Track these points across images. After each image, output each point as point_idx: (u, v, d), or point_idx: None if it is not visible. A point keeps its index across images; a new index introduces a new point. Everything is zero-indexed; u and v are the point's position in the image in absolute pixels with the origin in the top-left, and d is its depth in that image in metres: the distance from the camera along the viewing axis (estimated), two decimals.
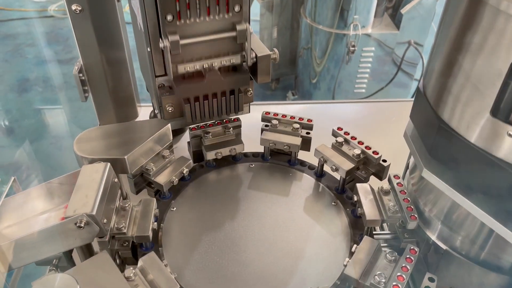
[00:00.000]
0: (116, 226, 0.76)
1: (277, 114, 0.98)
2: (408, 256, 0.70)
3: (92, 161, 0.81)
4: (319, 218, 0.84)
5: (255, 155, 0.98)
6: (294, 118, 0.97)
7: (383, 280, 0.67)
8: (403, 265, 0.69)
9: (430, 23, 2.64)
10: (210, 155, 0.92)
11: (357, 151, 0.88)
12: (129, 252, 0.79)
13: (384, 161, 0.88)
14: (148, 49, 0.88)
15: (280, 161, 0.97)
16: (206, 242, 0.81)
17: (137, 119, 1.26)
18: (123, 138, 0.87)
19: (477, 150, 0.60)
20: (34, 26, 3.58)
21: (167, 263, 0.75)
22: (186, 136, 1.12)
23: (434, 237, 0.75)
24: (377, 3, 2.51)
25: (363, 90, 2.74)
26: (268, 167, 0.96)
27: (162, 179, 0.86)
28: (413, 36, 2.61)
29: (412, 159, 0.84)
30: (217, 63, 0.90)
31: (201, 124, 0.96)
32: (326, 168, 0.92)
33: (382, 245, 0.72)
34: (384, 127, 1.33)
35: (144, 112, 1.30)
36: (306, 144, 0.97)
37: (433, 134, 0.67)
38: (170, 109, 0.92)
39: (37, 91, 2.96)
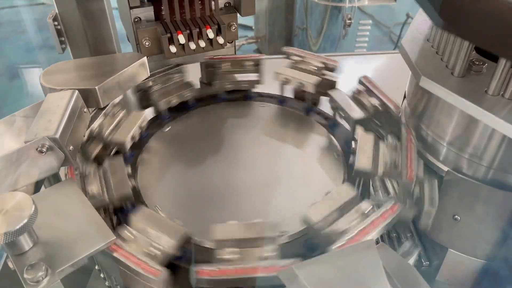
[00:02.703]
0: (97, 128, 0.73)
1: (299, 51, 0.90)
2: (384, 210, 0.60)
3: None
4: (316, 169, 0.76)
5: (271, 96, 0.91)
6: (318, 57, 0.89)
7: (341, 230, 0.58)
8: (374, 219, 0.58)
9: None
10: (220, 85, 0.88)
11: (375, 102, 0.80)
12: None
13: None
14: None
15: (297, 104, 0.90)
16: (187, 175, 0.74)
17: None
18: (95, 71, 0.80)
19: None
20: (24, 13, 3.52)
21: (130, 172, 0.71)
22: None
23: (438, 162, 0.68)
24: None
25: None
26: (279, 112, 0.88)
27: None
28: (410, 8, 2.54)
29: (407, 88, 0.77)
30: None
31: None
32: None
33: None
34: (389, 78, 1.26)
35: None
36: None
37: None
38: (147, 44, 0.86)
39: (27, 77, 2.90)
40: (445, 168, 0.66)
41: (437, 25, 0.58)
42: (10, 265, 0.63)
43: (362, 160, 0.70)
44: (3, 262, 0.80)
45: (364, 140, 0.73)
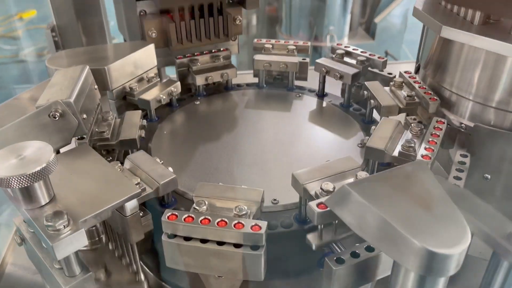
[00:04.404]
0: (97, 130, 0.66)
1: (270, 40, 0.91)
2: (436, 126, 0.62)
3: None
4: (328, 126, 0.76)
5: (249, 84, 0.90)
6: (288, 42, 0.90)
7: (413, 145, 0.57)
8: (433, 132, 0.60)
9: (403, 33, 2.69)
10: (200, 80, 0.84)
11: (362, 58, 0.81)
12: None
13: (390, 73, 0.82)
14: None
15: (276, 87, 0.89)
16: (201, 152, 0.71)
17: None
18: (102, 55, 0.78)
19: None
20: (5, 70, 3.51)
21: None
22: None
23: (465, 120, 0.67)
24: (350, 16, 2.55)
25: None
26: (264, 94, 0.87)
27: (148, 96, 0.76)
28: (388, 47, 2.64)
29: (421, 56, 0.77)
30: None
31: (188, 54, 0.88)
32: (327, 89, 0.85)
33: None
34: None
35: None
36: (303, 72, 0.89)
37: None
38: (153, 34, 0.85)
39: None
40: (472, 124, 0.65)
41: None
42: (18, 239, 0.58)
43: (387, 99, 0.72)
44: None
45: (374, 86, 0.75)
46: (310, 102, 0.83)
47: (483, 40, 0.58)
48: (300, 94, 0.86)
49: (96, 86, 0.70)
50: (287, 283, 0.60)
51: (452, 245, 0.37)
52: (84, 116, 0.62)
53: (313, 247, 0.50)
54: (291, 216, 0.58)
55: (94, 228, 0.73)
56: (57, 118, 0.59)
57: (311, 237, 0.49)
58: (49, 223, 0.45)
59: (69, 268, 0.50)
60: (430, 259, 0.37)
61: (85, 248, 0.75)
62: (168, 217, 0.50)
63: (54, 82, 0.65)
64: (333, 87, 0.86)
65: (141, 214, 0.57)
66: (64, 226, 0.46)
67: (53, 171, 0.47)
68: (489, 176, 0.66)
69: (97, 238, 0.75)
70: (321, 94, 0.85)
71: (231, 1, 0.92)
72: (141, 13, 0.86)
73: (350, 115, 0.78)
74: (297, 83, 0.90)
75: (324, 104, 0.83)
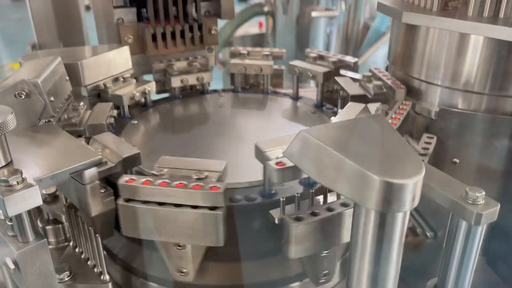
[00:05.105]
0: (65, 117, 0.65)
1: (246, 48, 0.93)
2: (400, 106, 0.63)
3: None
4: (301, 122, 0.77)
5: (225, 90, 0.91)
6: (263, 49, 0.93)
7: None
8: (397, 111, 0.61)
9: None
10: (175, 81, 0.84)
11: (333, 59, 0.83)
12: None
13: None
14: None
15: (252, 92, 0.90)
16: (171, 145, 0.70)
17: None
18: (77, 53, 0.79)
19: None
20: None
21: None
22: None
23: (433, 106, 0.68)
24: None
25: None
26: (240, 97, 0.88)
27: (121, 92, 0.77)
28: None
29: (388, 53, 0.80)
30: None
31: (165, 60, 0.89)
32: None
33: None
34: None
35: None
36: (279, 78, 0.91)
37: None
38: (129, 40, 0.86)
39: None
40: (437, 109, 0.66)
41: None
42: None
43: (355, 89, 0.74)
44: None
45: (343, 80, 0.78)
46: (284, 104, 0.84)
47: (443, 21, 0.60)
48: (275, 97, 0.87)
49: (67, 78, 0.71)
50: (254, 264, 0.58)
51: (407, 176, 0.37)
52: (52, 98, 0.62)
53: (276, 221, 0.49)
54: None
55: (60, 225, 0.71)
56: (22, 97, 0.59)
57: (274, 212, 0.48)
58: (2, 178, 0.44)
59: (22, 234, 0.48)
60: (387, 191, 0.37)
61: (50, 247, 0.72)
62: (125, 181, 0.49)
63: (22, 69, 0.65)
64: None
65: (103, 190, 0.56)
66: (17, 182, 0.44)
67: (10, 129, 0.47)
68: (457, 161, 0.66)
69: (63, 237, 0.73)
70: (295, 97, 0.86)
71: (207, 14, 0.95)
72: (119, 21, 0.88)
73: (323, 114, 0.79)
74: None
75: (298, 104, 0.83)
